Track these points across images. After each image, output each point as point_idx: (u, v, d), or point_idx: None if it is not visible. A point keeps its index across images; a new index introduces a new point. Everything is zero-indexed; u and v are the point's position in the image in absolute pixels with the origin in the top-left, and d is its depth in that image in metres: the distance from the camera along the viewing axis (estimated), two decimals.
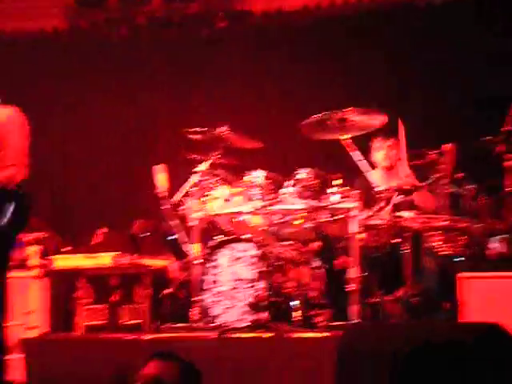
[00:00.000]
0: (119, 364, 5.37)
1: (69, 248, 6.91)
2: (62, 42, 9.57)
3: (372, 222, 6.05)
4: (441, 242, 6.14)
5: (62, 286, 6.62)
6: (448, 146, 6.31)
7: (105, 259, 6.41)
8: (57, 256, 6.63)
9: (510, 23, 7.84)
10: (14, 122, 5.46)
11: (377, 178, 6.65)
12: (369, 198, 6.22)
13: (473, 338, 3.53)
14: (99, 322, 6.36)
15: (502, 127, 4.00)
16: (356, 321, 5.63)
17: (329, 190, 6.02)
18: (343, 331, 5.00)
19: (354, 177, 6.53)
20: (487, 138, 6.33)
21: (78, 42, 9.55)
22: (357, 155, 6.26)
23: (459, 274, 5.41)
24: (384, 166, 7.00)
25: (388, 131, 6.78)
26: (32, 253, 6.76)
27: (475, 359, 3.40)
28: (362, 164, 6.31)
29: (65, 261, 6.58)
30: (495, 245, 6.13)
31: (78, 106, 9.44)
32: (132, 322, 6.30)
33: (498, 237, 6.17)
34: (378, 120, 6.28)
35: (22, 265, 6.75)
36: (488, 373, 3.38)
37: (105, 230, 7.21)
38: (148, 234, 7.37)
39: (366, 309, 5.86)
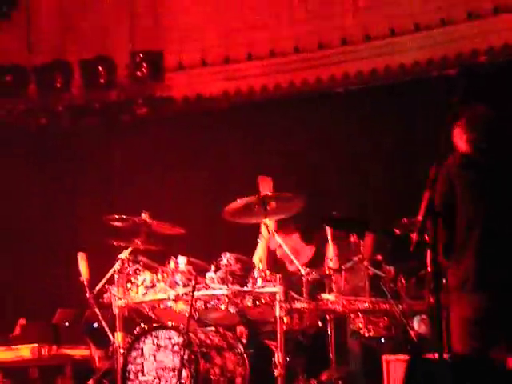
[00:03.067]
0: None
1: None
2: None
3: (295, 306, 6.08)
4: (363, 324, 6.20)
5: None
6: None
7: (23, 351, 6.28)
8: None
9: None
10: None
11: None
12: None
13: None
14: None
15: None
16: None
17: (252, 275, 6.05)
18: None
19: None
20: (403, 220, 6.48)
21: None
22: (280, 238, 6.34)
23: (384, 357, 5.45)
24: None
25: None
26: None
27: None
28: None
29: None
30: (417, 325, 6.20)
31: None
32: None
33: (417, 317, 6.26)
34: (297, 203, 6.37)
35: None
36: None
37: (22, 321, 7.06)
38: (69, 322, 7.25)
39: None
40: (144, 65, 9.16)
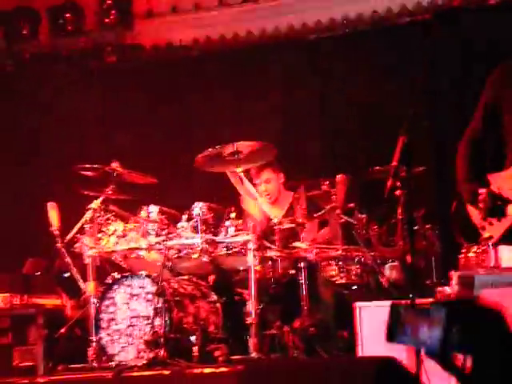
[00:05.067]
0: None
1: None
2: None
3: (268, 254, 6.09)
4: (336, 272, 6.23)
5: None
6: (340, 177, 6.42)
7: None
8: None
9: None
10: None
11: (267, 210, 6.68)
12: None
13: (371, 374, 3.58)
14: None
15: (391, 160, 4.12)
16: (256, 355, 5.64)
17: (224, 223, 6.04)
18: (243, 366, 5.02)
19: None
20: (376, 168, 6.50)
21: None
22: (248, 187, 6.33)
23: (355, 304, 5.48)
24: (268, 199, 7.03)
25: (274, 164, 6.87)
26: None
27: None
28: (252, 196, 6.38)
29: None
30: (389, 272, 6.25)
31: None
32: (25, 364, 6.15)
33: (389, 264, 6.30)
34: (268, 152, 6.34)
35: None
36: None
37: None
38: (40, 272, 7.22)
39: (264, 341, 5.87)
40: (113, 12, 9.01)
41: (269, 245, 6.09)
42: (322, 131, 8.55)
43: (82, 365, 5.92)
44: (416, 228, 6.29)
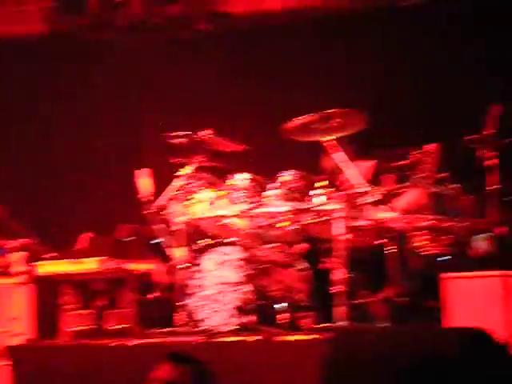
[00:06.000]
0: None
1: (53, 254, 6.86)
2: (44, 46, 9.55)
3: (357, 223, 6.06)
4: (425, 242, 6.17)
5: (47, 292, 6.59)
6: (431, 146, 6.33)
7: (90, 264, 6.40)
8: (41, 262, 6.60)
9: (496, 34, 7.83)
10: None
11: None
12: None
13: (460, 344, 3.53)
14: (85, 327, 6.34)
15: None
16: (343, 323, 5.64)
17: (313, 192, 6.03)
18: (330, 334, 5.03)
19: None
20: (469, 137, 6.37)
21: (59, 46, 9.51)
22: (340, 156, 6.27)
23: (442, 274, 5.43)
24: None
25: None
26: (16, 259, 6.73)
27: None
28: (345, 165, 6.33)
29: (49, 267, 6.56)
30: (479, 244, 6.16)
31: (60, 111, 9.41)
32: (118, 326, 6.28)
33: (481, 235, 6.20)
34: (360, 121, 6.29)
35: (5, 271, 6.73)
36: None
37: (90, 234, 7.18)
38: (132, 238, 7.34)
39: (351, 310, 5.87)
40: None
41: (358, 214, 6.06)
42: (412, 100, 8.43)
43: (170, 329, 6.02)
44: (510, 199, 6.17)
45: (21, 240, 6.94)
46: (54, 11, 9.36)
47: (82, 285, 6.56)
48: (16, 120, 9.45)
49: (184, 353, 3.65)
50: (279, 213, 6.09)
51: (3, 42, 9.50)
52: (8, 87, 9.27)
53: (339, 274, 5.78)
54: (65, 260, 6.55)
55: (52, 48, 9.49)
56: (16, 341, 6.21)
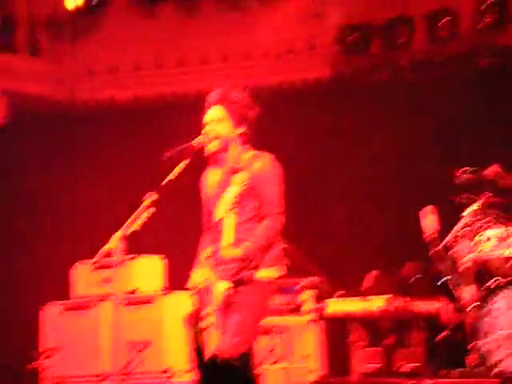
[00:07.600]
0: None
1: (341, 292, 6.99)
2: (325, 90, 9.81)
3: None
4: None
5: (337, 329, 6.71)
6: None
7: (378, 302, 6.43)
8: (330, 300, 6.74)
9: None
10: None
11: None
12: None
13: None
14: (374, 365, 6.37)
15: None
16: None
17: None
18: None
19: None
20: None
21: (339, 89, 9.74)
22: None
23: None
24: None
25: None
26: (306, 298, 6.91)
27: None
28: None
29: (338, 305, 6.68)
30: None
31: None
32: (408, 366, 6.25)
33: None
34: None
35: (297, 310, 6.92)
36: None
37: (376, 273, 7.24)
38: (418, 276, 7.30)
39: None
40: (489, 14, 8.86)
41: None
42: None
43: (463, 369, 5.89)
44: None
45: (311, 278, 7.12)
46: (338, 54, 9.60)
47: (369, 323, 6.60)
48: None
49: None
50: None
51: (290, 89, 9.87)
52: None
53: None
54: (352, 298, 6.63)
55: (333, 91, 9.75)
56: (311, 377, 6.35)
